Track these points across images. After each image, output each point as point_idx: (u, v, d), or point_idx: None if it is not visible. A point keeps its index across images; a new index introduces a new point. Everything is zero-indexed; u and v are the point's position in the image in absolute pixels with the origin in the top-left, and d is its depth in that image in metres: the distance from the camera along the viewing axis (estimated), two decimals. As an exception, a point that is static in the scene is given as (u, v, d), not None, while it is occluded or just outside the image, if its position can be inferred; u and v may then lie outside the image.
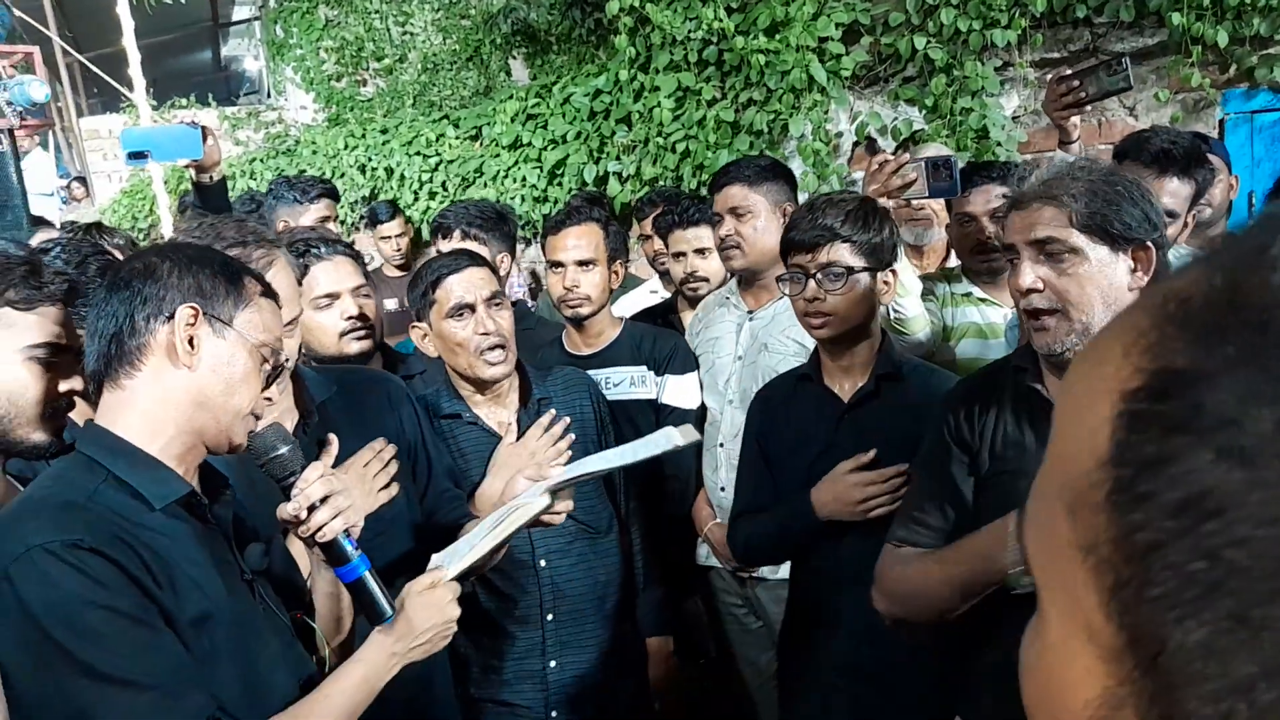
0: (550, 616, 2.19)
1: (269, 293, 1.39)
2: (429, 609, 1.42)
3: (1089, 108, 3.01)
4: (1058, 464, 0.41)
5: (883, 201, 2.24)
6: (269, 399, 1.40)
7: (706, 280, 3.07)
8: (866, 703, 1.98)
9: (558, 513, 1.73)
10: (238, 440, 1.34)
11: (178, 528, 1.26)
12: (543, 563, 2.19)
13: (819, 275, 1.98)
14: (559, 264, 2.65)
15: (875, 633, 1.88)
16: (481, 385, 2.17)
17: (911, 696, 1.90)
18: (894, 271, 2.04)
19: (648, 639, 2.44)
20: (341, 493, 1.40)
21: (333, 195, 3.58)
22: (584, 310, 2.67)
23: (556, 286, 2.68)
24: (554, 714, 2.17)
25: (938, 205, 2.96)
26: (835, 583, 2.02)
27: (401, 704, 1.61)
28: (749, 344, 2.67)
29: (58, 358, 1.44)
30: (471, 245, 2.81)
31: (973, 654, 1.62)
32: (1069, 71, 2.60)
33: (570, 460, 2.07)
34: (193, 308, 1.29)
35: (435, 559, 1.56)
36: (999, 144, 4.04)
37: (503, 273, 2.94)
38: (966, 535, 1.56)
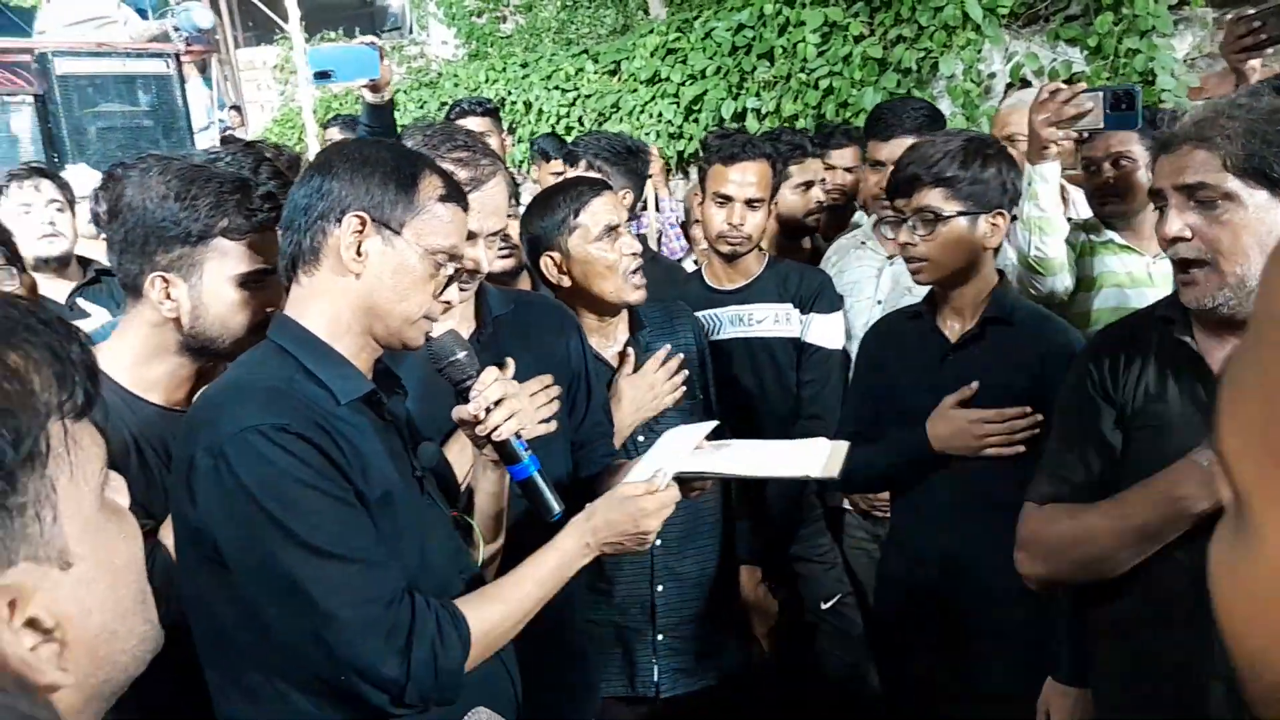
0: (659, 542, 2.21)
1: (451, 196, 1.38)
2: (629, 510, 1.44)
3: (1270, 51, 2.80)
4: (1276, 360, 0.39)
5: (1049, 133, 2.15)
6: (447, 302, 1.42)
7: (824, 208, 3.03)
8: (958, 641, 1.97)
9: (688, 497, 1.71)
10: (411, 343, 1.37)
11: (360, 421, 1.30)
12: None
13: (912, 220, 1.94)
14: (726, 198, 2.57)
15: (969, 570, 1.89)
16: (611, 310, 2.16)
17: (1004, 637, 1.88)
18: (1001, 214, 1.96)
19: (740, 566, 2.46)
20: (515, 396, 1.44)
21: (494, 115, 3.68)
22: (742, 250, 2.61)
23: (716, 220, 2.62)
24: (659, 637, 2.21)
25: None
26: (932, 521, 2.01)
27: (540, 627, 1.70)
28: (890, 288, 2.61)
29: (264, 279, 1.52)
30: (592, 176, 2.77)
31: (1090, 608, 1.58)
32: (1251, 11, 2.43)
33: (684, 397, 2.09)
34: (359, 216, 1.29)
35: (646, 467, 1.57)
36: (1166, 90, 3.81)
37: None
38: (1136, 484, 1.48)
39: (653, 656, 2.20)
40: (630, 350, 2.15)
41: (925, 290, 2.51)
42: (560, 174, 4.92)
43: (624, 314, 2.20)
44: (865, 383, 2.21)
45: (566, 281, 2.11)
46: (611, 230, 2.08)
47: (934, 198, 1.92)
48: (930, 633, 2.03)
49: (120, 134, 5.89)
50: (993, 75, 4.31)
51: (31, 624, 0.58)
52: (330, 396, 1.28)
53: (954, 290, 2.01)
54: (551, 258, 2.10)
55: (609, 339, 2.20)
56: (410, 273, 1.32)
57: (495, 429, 1.42)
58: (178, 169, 1.48)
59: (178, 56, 6.11)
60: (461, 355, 1.41)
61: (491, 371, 1.44)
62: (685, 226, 3.65)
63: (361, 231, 1.29)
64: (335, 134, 4.51)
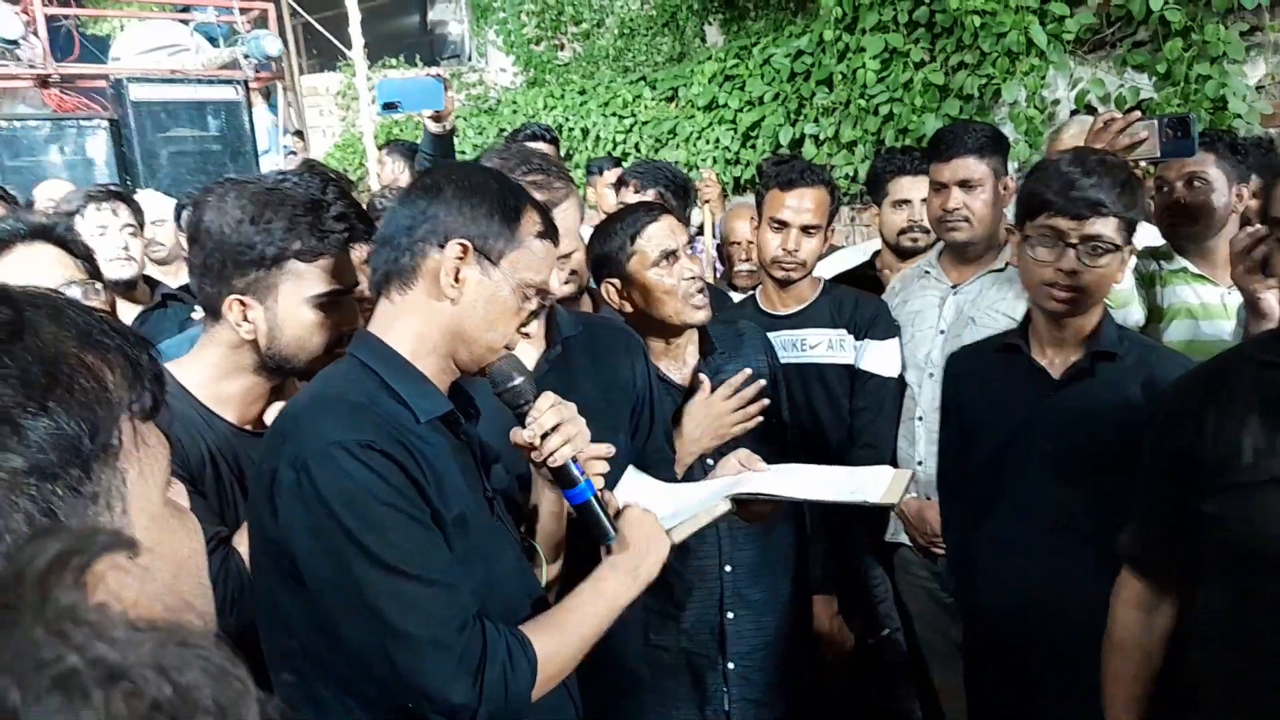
0: (729, 568, 2.19)
1: (547, 233, 1.40)
2: (644, 531, 1.47)
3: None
4: None
5: None
6: (526, 334, 1.44)
7: (929, 232, 2.99)
8: (1057, 685, 1.91)
9: (744, 523, 1.71)
10: (485, 367, 1.39)
11: (438, 440, 1.32)
12: (724, 518, 2.21)
13: (1080, 247, 1.80)
14: (782, 223, 2.57)
15: (1048, 605, 1.82)
16: (675, 333, 2.16)
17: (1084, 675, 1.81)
18: (1134, 247, 1.90)
19: (813, 596, 2.42)
20: (570, 421, 1.44)
21: (555, 142, 3.73)
22: (795, 275, 2.61)
23: (771, 246, 2.61)
24: (730, 665, 2.19)
25: None
26: (1009, 554, 1.95)
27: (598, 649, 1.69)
28: (954, 318, 2.57)
29: (339, 300, 1.54)
30: (650, 201, 2.77)
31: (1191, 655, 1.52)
32: None
33: (758, 426, 2.07)
34: (463, 244, 1.31)
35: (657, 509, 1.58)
36: (1238, 115, 3.73)
37: None
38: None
39: (724, 685, 2.18)
40: (703, 377, 2.15)
41: (992, 320, 2.46)
42: (617, 187, 4.95)
43: (693, 336, 2.20)
44: (955, 418, 2.12)
45: (628, 307, 2.12)
46: (669, 255, 2.08)
47: (1109, 228, 1.80)
48: (1012, 668, 1.97)
49: (190, 158, 6.05)
50: (1057, 102, 4.25)
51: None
52: (410, 414, 1.29)
53: (1072, 322, 1.90)
54: (612, 284, 2.12)
55: (678, 362, 2.20)
56: (502, 303, 1.34)
57: (551, 454, 1.42)
58: (252, 193, 1.51)
59: (246, 83, 6.27)
60: (519, 380, 1.42)
61: (548, 397, 1.44)
62: (720, 248, 3.65)
63: (463, 259, 1.32)
64: (388, 158, 4.60)
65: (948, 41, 4.42)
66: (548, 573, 1.56)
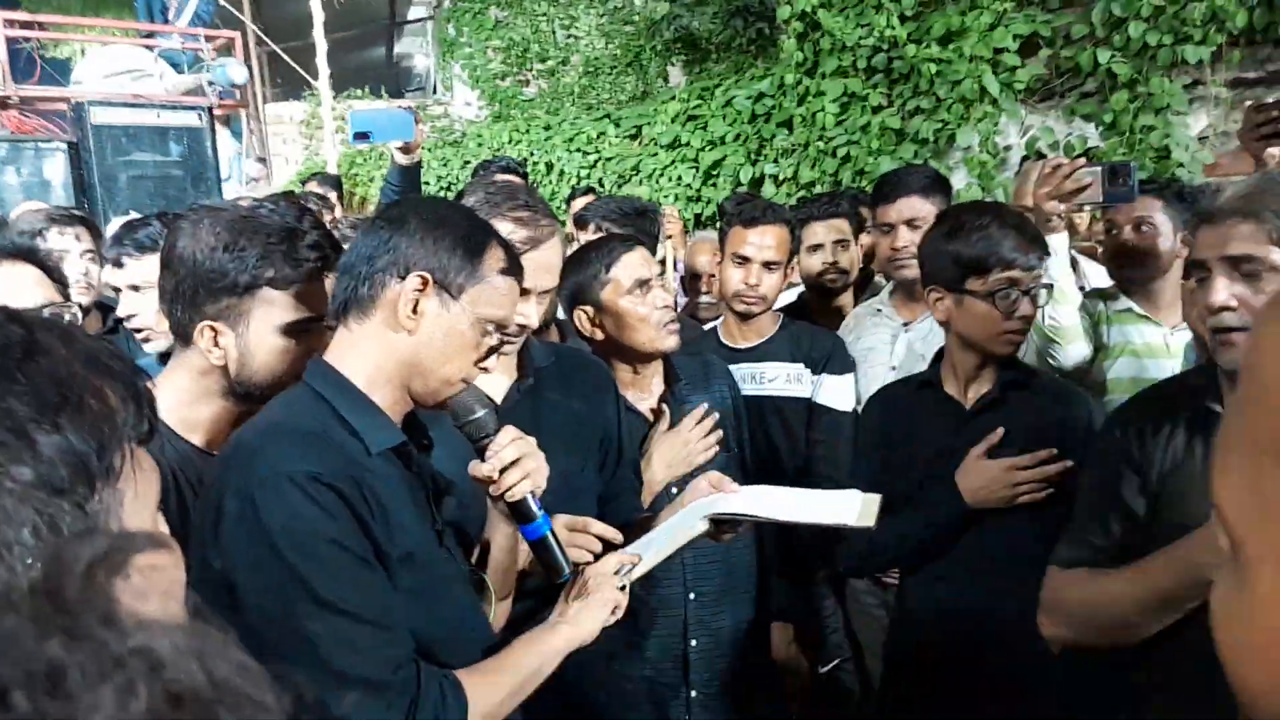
0: (693, 596, 2.21)
1: (511, 270, 1.40)
2: (602, 599, 1.48)
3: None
4: (1261, 416, 0.42)
5: (1052, 206, 2.22)
6: (485, 369, 1.42)
7: (846, 273, 3.06)
8: (980, 699, 1.96)
9: (720, 540, 1.73)
10: (443, 400, 1.37)
11: (390, 471, 1.30)
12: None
13: (1031, 289, 1.93)
14: (744, 259, 2.62)
15: (991, 627, 1.87)
16: (644, 360, 2.19)
17: (1030, 694, 1.86)
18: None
19: (771, 624, 2.46)
20: (530, 455, 1.44)
21: (524, 175, 3.75)
22: (756, 310, 2.65)
23: (733, 280, 2.67)
24: (693, 694, 2.20)
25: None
26: (953, 578, 2.00)
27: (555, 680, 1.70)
28: (904, 354, 2.64)
29: (310, 327, 1.53)
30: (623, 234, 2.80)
31: (1139, 659, 1.57)
32: (1271, 100, 2.48)
33: (716, 456, 2.10)
34: (422, 276, 1.30)
35: (631, 550, 1.60)
36: (1181, 165, 3.88)
37: None
38: (1159, 551, 1.49)
39: (686, 713, 2.18)
40: (665, 407, 2.17)
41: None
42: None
43: (659, 367, 2.23)
44: (873, 457, 2.19)
45: (599, 335, 2.15)
46: (643, 284, 2.12)
47: (1048, 271, 1.99)
48: (951, 690, 2.01)
49: (150, 182, 6.01)
50: (1009, 148, 4.39)
51: None
52: (361, 445, 1.28)
53: (974, 356, 2.03)
54: (585, 311, 2.15)
55: (644, 391, 2.22)
56: (460, 337, 1.34)
57: (510, 488, 1.42)
58: (227, 219, 1.50)
59: (210, 110, 6.26)
60: (481, 414, 1.41)
61: (509, 431, 1.44)
62: (683, 281, 3.72)
63: (422, 290, 1.31)
64: (314, 187, 4.65)
65: (905, 87, 4.55)
66: (497, 610, 1.54)
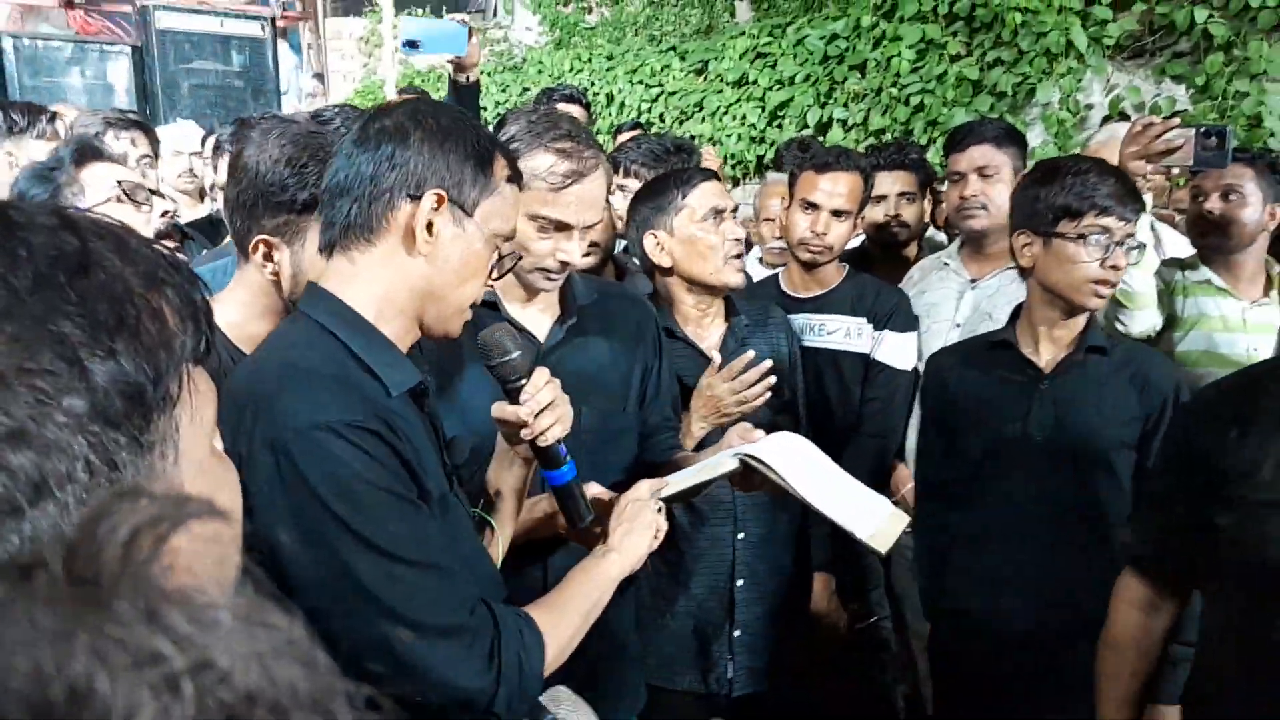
0: (741, 536, 2.20)
1: (515, 178, 1.31)
2: (632, 509, 1.46)
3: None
4: None
5: (1138, 166, 2.15)
6: (490, 286, 1.36)
7: (908, 227, 2.97)
8: (1033, 686, 1.93)
9: (743, 490, 1.69)
10: (454, 331, 1.29)
11: (408, 413, 1.23)
12: (738, 485, 2.21)
13: (1125, 243, 1.88)
14: (813, 205, 2.55)
15: (1047, 599, 1.85)
16: (709, 294, 2.16)
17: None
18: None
19: (814, 573, 2.44)
20: (561, 400, 1.39)
21: (587, 106, 3.67)
22: (821, 259, 2.59)
23: (799, 227, 2.59)
24: (736, 633, 2.20)
25: None
26: (1003, 542, 1.98)
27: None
28: (970, 312, 2.57)
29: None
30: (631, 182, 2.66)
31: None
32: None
33: (768, 401, 2.06)
34: (439, 194, 1.20)
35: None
36: (1273, 134, 3.70)
37: None
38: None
39: (728, 652, 2.19)
40: (716, 354, 2.14)
41: (1005, 316, 2.47)
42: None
43: (721, 306, 2.21)
44: (941, 422, 2.14)
45: (667, 261, 2.13)
46: (718, 214, 2.09)
47: (1143, 224, 1.94)
48: (998, 663, 1.99)
49: (211, 92, 6.00)
50: (1090, 106, 4.22)
51: None
52: (381, 387, 1.19)
53: (1056, 311, 1.97)
54: (654, 235, 2.12)
55: (705, 329, 2.20)
56: (476, 258, 1.24)
57: (543, 432, 1.37)
58: (294, 134, 1.47)
59: (274, 21, 6.20)
60: (517, 355, 1.34)
61: (543, 373, 1.38)
62: (750, 224, 3.62)
63: (437, 210, 1.20)
64: None
65: (986, 37, 4.38)
66: (500, 551, 1.49)
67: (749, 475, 1.59)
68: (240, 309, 1.53)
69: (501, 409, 1.37)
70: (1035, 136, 4.27)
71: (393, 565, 1.11)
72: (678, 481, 1.58)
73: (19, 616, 0.26)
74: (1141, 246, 1.92)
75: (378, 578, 1.10)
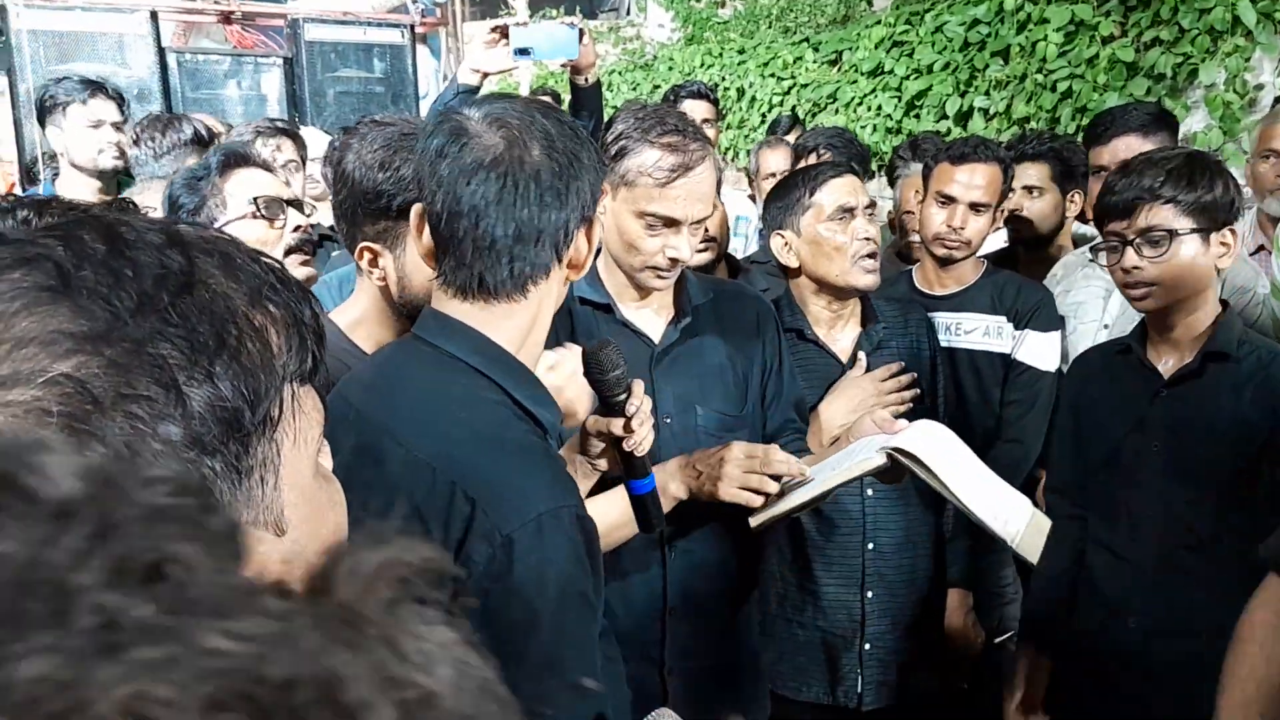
0: (871, 546, 2.14)
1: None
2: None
3: None
4: None
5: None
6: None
7: (1030, 223, 2.81)
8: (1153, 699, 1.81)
9: (890, 483, 1.66)
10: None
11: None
12: (870, 492, 2.14)
13: (1137, 241, 1.77)
14: (949, 198, 2.44)
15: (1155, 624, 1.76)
16: (840, 297, 2.10)
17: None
18: (1233, 231, 1.78)
19: (949, 589, 2.34)
20: (649, 413, 1.42)
21: (715, 101, 3.64)
22: (958, 255, 2.48)
23: (935, 221, 2.49)
24: (866, 646, 2.14)
25: None
26: (1132, 564, 1.86)
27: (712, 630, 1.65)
28: (1119, 313, 2.41)
29: None
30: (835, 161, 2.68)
31: None
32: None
33: (912, 409, 2.00)
34: (589, 220, 1.14)
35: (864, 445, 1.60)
36: None
37: None
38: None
39: (858, 666, 2.13)
40: (861, 354, 2.09)
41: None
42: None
43: (856, 307, 2.15)
44: (1074, 426, 2.05)
45: (794, 262, 2.09)
46: (847, 212, 2.03)
47: (1164, 216, 1.76)
48: (1116, 693, 1.87)
49: (354, 99, 6.21)
50: (1260, 87, 3.91)
51: None
52: (539, 427, 1.13)
53: (1178, 319, 1.84)
54: (783, 235, 2.09)
55: (838, 330, 2.15)
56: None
57: (640, 442, 1.39)
58: (387, 137, 1.45)
59: (413, 28, 6.40)
60: (623, 369, 1.37)
61: (640, 385, 1.40)
62: (892, 218, 3.52)
63: (590, 229, 1.16)
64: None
65: (1143, 15, 4.11)
66: None
67: (895, 469, 1.56)
68: (365, 312, 1.55)
69: (599, 422, 1.39)
70: (1198, 121, 3.98)
71: (546, 674, 1.00)
72: (820, 482, 1.56)
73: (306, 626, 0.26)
74: (1174, 235, 1.76)
75: (536, 693, 0.97)
